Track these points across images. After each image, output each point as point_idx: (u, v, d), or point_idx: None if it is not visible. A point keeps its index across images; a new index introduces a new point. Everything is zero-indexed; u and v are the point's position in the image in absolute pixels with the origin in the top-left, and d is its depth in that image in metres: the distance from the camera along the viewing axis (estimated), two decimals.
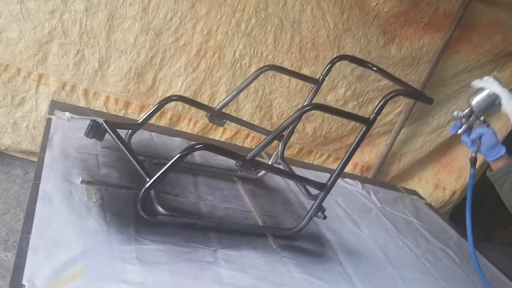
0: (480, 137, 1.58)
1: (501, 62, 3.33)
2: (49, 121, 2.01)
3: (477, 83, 1.57)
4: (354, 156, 3.49)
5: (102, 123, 1.61)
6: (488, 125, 1.60)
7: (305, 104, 2.16)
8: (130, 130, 1.82)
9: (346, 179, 2.73)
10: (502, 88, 1.53)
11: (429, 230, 2.47)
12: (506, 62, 3.35)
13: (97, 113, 2.38)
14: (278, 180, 2.29)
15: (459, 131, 1.61)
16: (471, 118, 1.59)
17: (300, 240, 1.85)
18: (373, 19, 2.93)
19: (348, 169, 3.47)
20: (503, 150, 1.58)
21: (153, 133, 2.23)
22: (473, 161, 1.67)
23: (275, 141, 2.14)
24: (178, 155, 1.45)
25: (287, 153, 3.26)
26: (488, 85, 1.55)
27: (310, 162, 3.34)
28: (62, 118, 2.07)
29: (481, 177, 3.69)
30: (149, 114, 1.81)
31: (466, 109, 1.60)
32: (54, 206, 1.46)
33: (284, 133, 2.14)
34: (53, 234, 1.34)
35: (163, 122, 2.85)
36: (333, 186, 1.77)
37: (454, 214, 3.83)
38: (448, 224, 2.69)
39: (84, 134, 1.64)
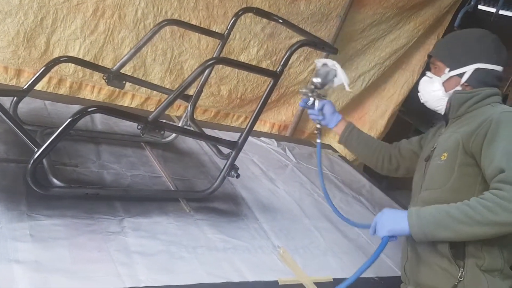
0: (322, 107, 1.83)
1: (405, 15, 3.42)
2: None
3: (319, 61, 1.82)
4: (271, 116, 3.53)
5: None
6: (326, 99, 1.86)
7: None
8: (15, 98, 1.63)
9: (262, 138, 2.71)
10: (337, 64, 1.80)
11: (343, 181, 2.54)
12: (410, 15, 3.44)
13: None
14: (190, 143, 2.20)
15: (309, 103, 1.83)
16: (315, 93, 1.82)
17: (215, 201, 1.80)
18: None
19: (265, 129, 3.46)
20: (340, 116, 1.88)
21: (46, 102, 2.03)
22: (319, 132, 1.91)
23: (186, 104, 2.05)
24: (69, 119, 1.31)
25: (203, 117, 3.17)
26: (328, 62, 1.79)
27: (228, 125, 3.27)
28: None
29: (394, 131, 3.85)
30: (35, 79, 1.63)
31: (310, 85, 1.83)
32: None
33: (192, 94, 2.05)
34: None
35: (63, 91, 2.60)
36: (244, 143, 1.72)
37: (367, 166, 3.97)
38: (361, 174, 2.78)
39: None
